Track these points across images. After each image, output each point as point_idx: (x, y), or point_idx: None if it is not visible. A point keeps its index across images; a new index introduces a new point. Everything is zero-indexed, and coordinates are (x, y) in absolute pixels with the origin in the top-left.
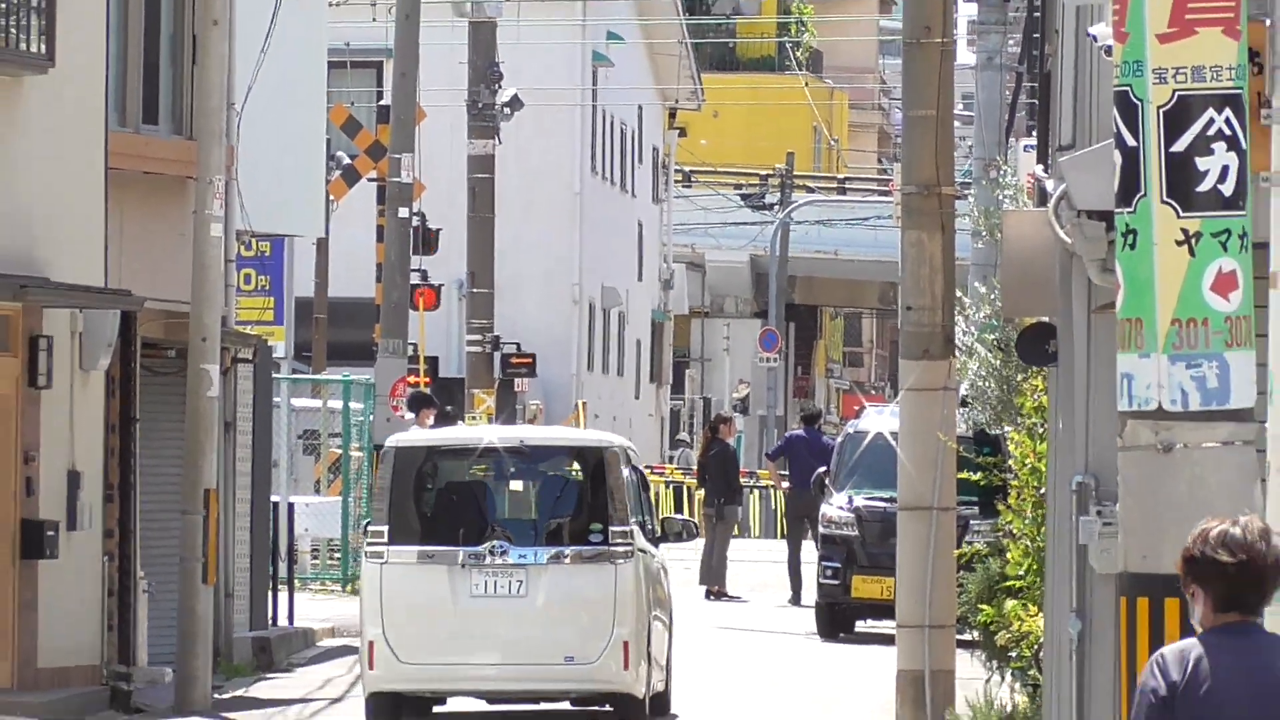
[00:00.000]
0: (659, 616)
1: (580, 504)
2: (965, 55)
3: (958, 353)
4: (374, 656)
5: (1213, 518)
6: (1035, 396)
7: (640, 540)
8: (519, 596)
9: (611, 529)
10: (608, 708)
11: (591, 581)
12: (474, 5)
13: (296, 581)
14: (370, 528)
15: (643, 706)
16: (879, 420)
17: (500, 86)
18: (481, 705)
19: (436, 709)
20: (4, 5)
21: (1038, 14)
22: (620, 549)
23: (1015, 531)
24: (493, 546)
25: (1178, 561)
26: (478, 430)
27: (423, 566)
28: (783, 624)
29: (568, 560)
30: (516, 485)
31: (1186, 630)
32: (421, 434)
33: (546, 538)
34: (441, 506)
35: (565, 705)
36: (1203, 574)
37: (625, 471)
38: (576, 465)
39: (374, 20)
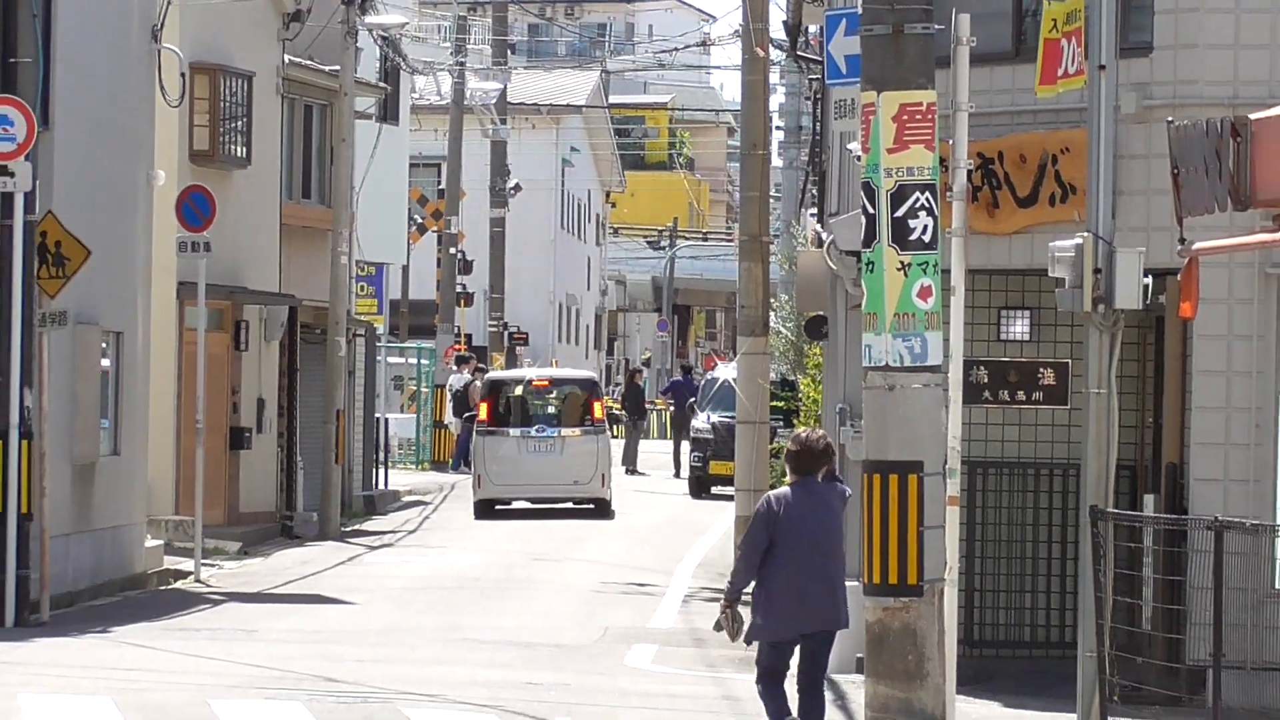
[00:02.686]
0: (611, 462)
1: (577, 406)
2: (776, 160)
3: (771, 332)
4: (481, 482)
5: (802, 430)
6: (815, 358)
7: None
8: (550, 452)
9: (594, 418)
10: (589, 505)
11: (586, 445)
12: (493, 131)
13: (388, 462)
14: (477, 418)
15: (609, 504)
16: (726, 371)
17: (508, 177)
18: (527, 506)
19: (500, 508)
20: (223, 133)
21: (819, 137)
22: (598, 429)
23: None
24: (537, 428)
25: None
26: (522, 370)
27: (500, 437)
28: (669, 488)
29: (573, 435)
30: (544, 397)
31: (899, 489)
32: (499, 372)
33: (562, 422)
34: (508, 408)
35: (569, 505)
36: (789, 456)
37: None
38: (575, 387)
39: (436, 139)
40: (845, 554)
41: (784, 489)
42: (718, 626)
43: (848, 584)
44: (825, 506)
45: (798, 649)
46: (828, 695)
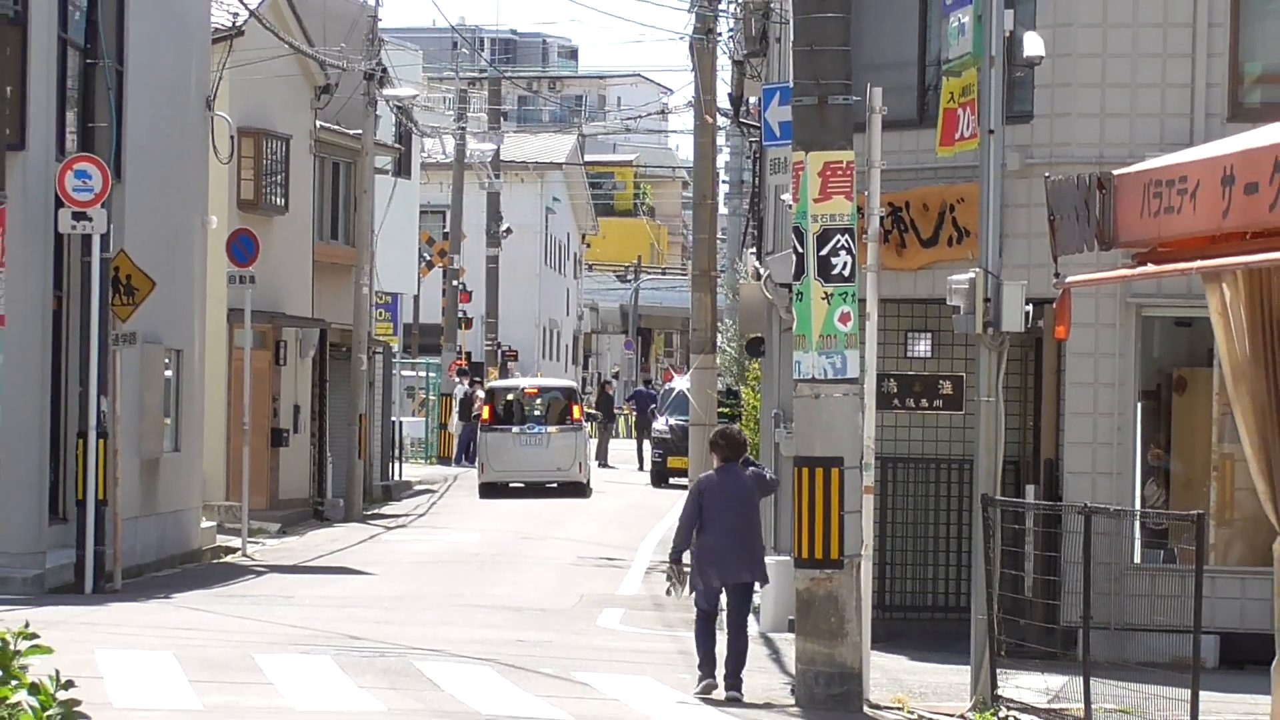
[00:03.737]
0: (590, 453)
1: (560, 408)
2: (723, 208)
3: (718, 350)
4: (484, 469)
5: (724, 427)
6: (755, 371)
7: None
8: (539, 445)
9: (573, 418)
10: (570, 486)
11: (567, 439)
12: (488, 184)
13: (401, 457)
14: (481, 419)
15: (586, 486)
16: (682, 382)
17: (501, 222)
18: (520, 487)
19: (496, 490)
20: (265, 185)
21: (757, 189)
22: (577, 427)
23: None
24: (528, 425)
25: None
26: (516, 380)
27: (499, 433)
28: (634, 479)
29: (557, 431)
30: (534, 402)
31: (824, 480)
32: (498, 382)
33: (549, 420)
34: (506, 409)
35: (554, 486)
36: (716, 447)
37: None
38: (558, 393)
39: (441, 191)
40: (760, 522)
41: (710, 473)
42: (668, 591)
43: (781, 558)
44: (742, 486)
45: (724, 598)
46: (764, 650)
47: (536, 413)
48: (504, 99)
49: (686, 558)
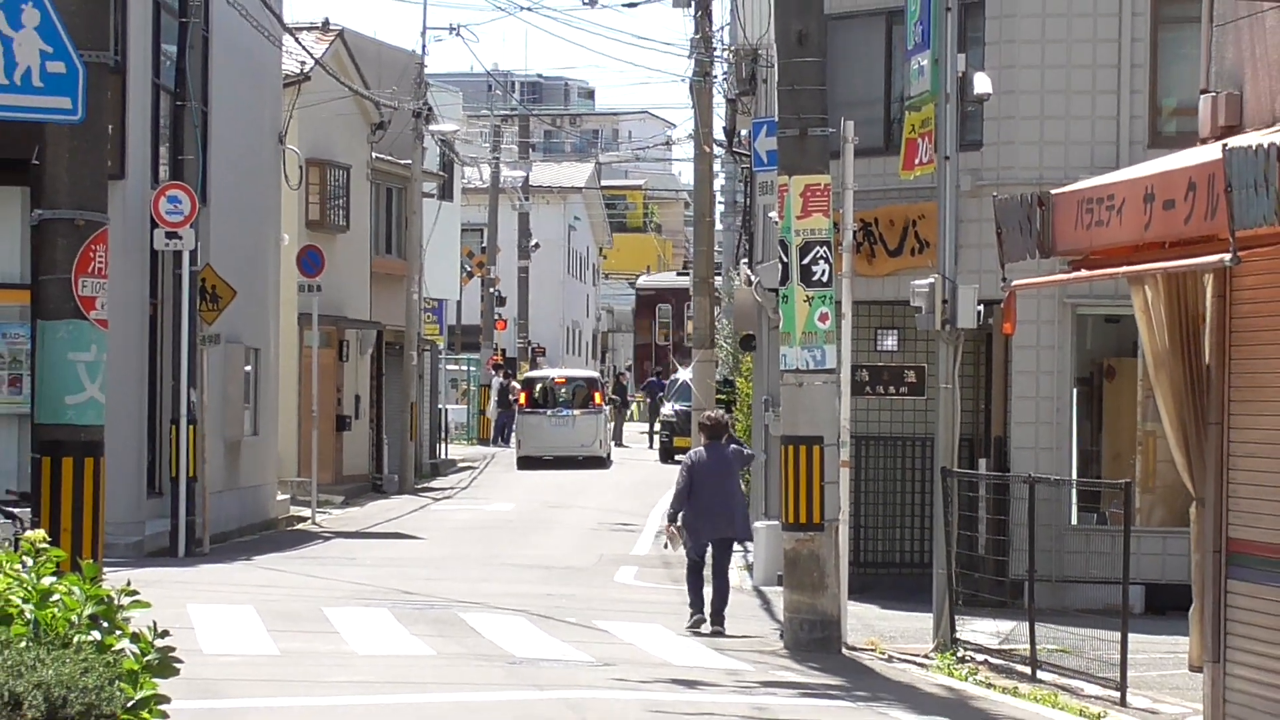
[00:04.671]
0: (610, 433)
1: (584, 395)
2: (719, 225)
3: (716, 346)
4: (521, 445)
5: (710, 411)
6: (747, 364)
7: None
8: (567, 425)
9: (595, 403)
10: (593, 460)
11: (590, 420)
12: (519, 206)
13: (447, 439)
14: (518, 399)
15: (607, 459)
16: (685, 373)
17: (530, 238)
18: (550, 459)
19: (532, 462)
20: (329, 207)
21: (748, 208)
22: (599, 410)
23: (738, 419)
24: (558, 409)
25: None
26: (547, 371)
27: (535, 415)
28: (645, 456)
29: (581, 413)
30: (562, 389)
31: (806, 455)
32: (533, 372)
33: (575, 405)
34: (539, 395)
35: (579, 459)
36: (703, 428)
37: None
38: (583, 382)
39: (479, 211)
40: (741, 489)
41: (699, 449)
42: (665, 545)
43: (770, 523)
44: (724, 460)
45: (710, 552)
46: (757, 601)
47: (564, 398)
48: (532, 133)
49: (680, 519)
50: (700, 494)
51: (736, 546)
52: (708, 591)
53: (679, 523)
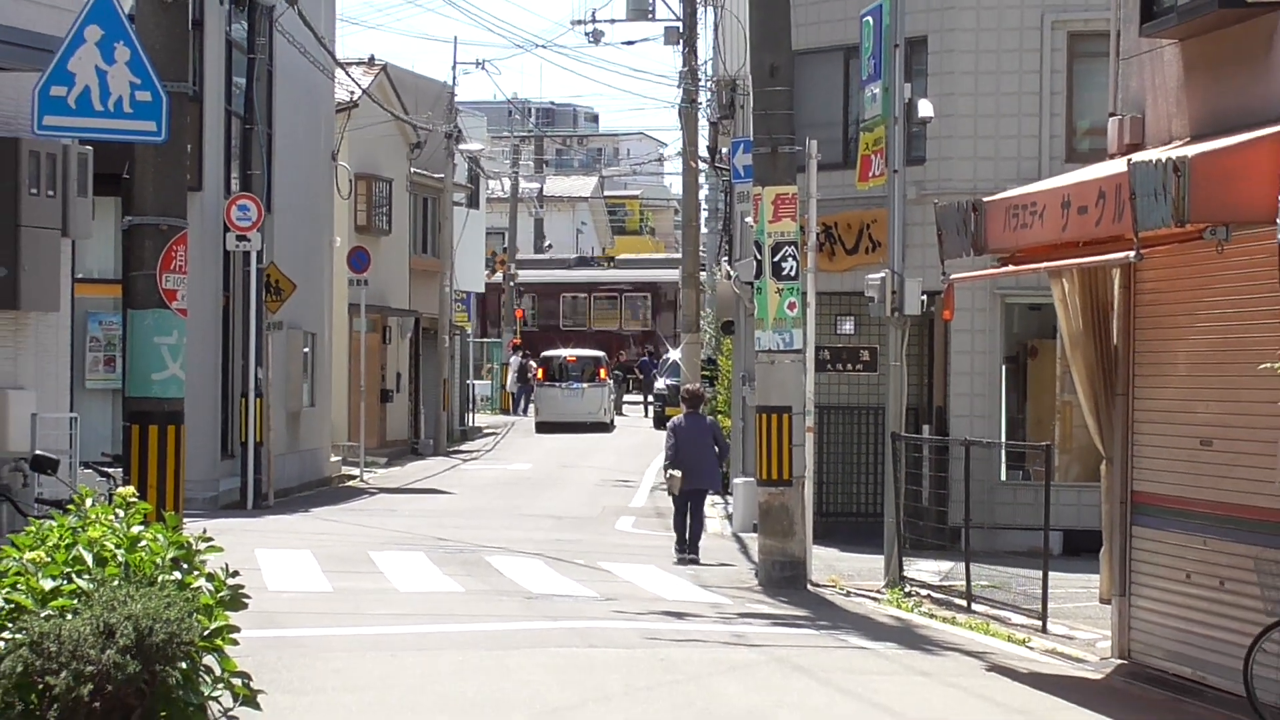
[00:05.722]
0: (614, 402)
1: (592, 370)
2: (704, 229)
3: (701, 330)
4: (539, 412)
5: (690, 384)
6: (728, 345)
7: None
8: (577, 396)
9: (601, 378)
10: (599, 425)
11: (597, 392)
12: (535, 213)
13: (474, 409)
14: (536, 375)
15: (611, 425)
16: (675, 353)
17: (544, 240)
18: (564, 425)
19: (548, 426)
20: (375, 214)
21: (728, 214)
22: (604, 384)
23: (720, 392)
24: (570, 382)
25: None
26: (560, 350)
27: (550, 388)
28: (641, 425)
29: (589, 386)
30: (574, 366)
31: (777, 422)
32: (550, 351)
33: (584, 379)
34: (554, 370)
35: (588, 424)
36: (684, 399)
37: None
38: (590, 360)
39: (501, 218)
40: (713, 450)
41: (680, 416)
42: (666, 487)
43: (747, 479)
44: (702, 427)
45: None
46: (736, 546)
47: (575, 373)
48: (545, 151)
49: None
50: (681, 453)
51: (714, 498)
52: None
53: (671, 471)
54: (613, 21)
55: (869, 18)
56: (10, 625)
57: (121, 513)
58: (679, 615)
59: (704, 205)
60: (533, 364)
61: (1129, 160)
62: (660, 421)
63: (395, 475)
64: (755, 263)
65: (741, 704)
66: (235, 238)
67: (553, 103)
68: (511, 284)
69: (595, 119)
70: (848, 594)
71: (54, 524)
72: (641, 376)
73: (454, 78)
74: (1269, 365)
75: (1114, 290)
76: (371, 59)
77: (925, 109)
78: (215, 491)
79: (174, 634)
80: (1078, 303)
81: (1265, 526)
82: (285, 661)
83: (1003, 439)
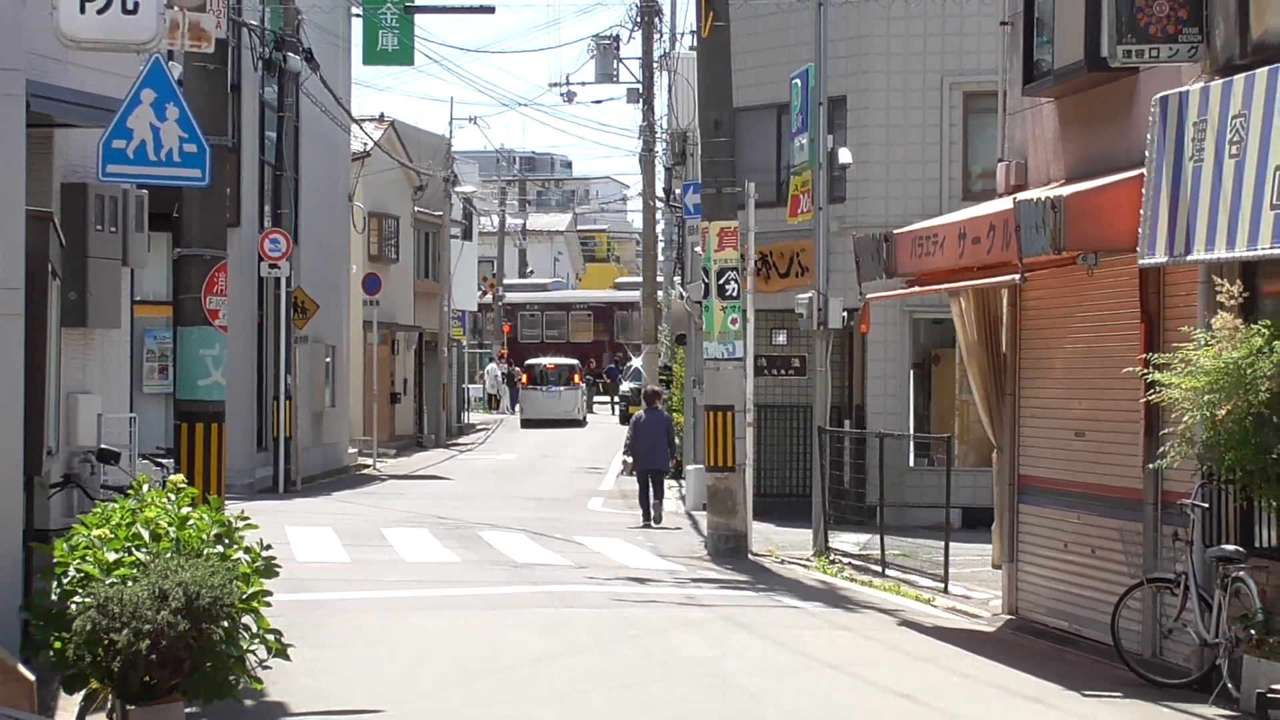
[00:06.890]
0: (586, 402)
1: (567, 376)
2: (660, 256)
3: (658, 342)
4: (523, 411)
5: (650, 385)
6: (681, 355)
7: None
8: (556, 398)
9: (575, 382)
10: (574, 423)
11: (572, 394)
12: (520, 243)
13: (469, 409)
14: (521, 380)
15: (584, 422)
16: (637, 361)
17: (528, 267)
18: (545, 421)
19: (531, 423)
20: (384, 246)
21: (681, 244)
22: (578, 387)
23: (675, 394)
24: (549, 386)
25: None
26: (541, 359)
27: (533, 391)
28: (609, 422)
29: (565, 389)
30: (553, 372)
31: (722, 419)
32: (533, 360)
33: (561, 383)
34: (536, 376)
35: (564, 422)
36: (644, 396)
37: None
38: (566, 368)
39: (491, 248)
40: (666, 440)
41: (641, 412)
42: (624, 470)
43: (698, 466)
44: (659, 421)
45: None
46: (689, 523)
47: (554, 379)
48: (528, 192)
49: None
50: (640, 441)
51: (670, 481)
52: (651, 504)
53: (624, 458)
54: (584, 84)
55: (798, 80)
56: (80, 591)
57: (173, 496)
58: (640, 580)
59: (660, 237)
60: (518, 370)
61: (1014, 199)
62: (625, 419)
63: (403, 464)
64: (703, 285)
65: (693, 655)
66: (268, 266)
67: (534, 152)
68: (500, 304)
69: (569, 165)
70: (782, 562)
71: (116, 506)
72: (609, 381)
73: (450, 131)
74: (1131, 369)
75: (1003, 307)
76: (381, 116)
77: (845, 156)
78: (252, 479)
79: (218, 598)
80: (973, 318)
81: (1128, 504)
82: (312, 620)
83: (911, 431)
